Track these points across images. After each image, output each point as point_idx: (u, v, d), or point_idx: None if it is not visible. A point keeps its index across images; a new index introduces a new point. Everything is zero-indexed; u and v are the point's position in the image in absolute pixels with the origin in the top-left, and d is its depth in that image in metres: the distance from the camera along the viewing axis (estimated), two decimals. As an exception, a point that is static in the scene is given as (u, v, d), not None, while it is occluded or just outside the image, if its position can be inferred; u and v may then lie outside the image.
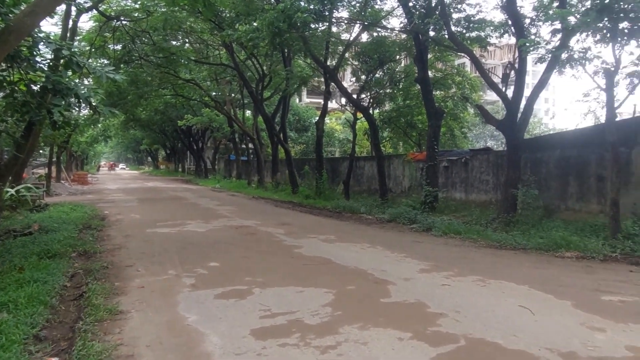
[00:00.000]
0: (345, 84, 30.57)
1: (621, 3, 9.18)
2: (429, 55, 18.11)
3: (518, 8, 13.04)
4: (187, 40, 26.37)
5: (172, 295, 6.25)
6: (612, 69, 10.03)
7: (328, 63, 20.80)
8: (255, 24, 15.51)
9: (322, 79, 23.29)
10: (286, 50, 21.82)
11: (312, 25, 16.81)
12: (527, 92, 13.40)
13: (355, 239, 10.98)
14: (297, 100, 45.70)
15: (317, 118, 23.94)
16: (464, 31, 14.82)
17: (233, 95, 34.55)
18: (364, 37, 21.56)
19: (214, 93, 33.56)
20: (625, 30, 9.57)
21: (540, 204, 12.38)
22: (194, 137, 50.36)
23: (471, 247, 10.11)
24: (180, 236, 11.33)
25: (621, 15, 9.30)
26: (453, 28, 14.23)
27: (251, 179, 31.86)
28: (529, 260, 8.68)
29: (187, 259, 8.60)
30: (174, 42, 25.00)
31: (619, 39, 9.74)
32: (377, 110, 23.07)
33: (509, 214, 11.93)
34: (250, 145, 34.47)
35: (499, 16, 16.72)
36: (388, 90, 21.40)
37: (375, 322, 5.11)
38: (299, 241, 10.61)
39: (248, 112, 36.83)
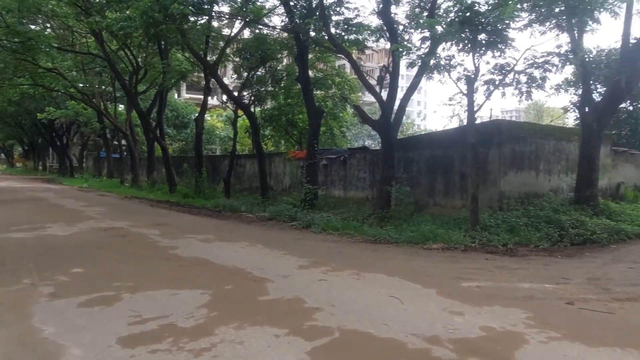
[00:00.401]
0: (226, 80, 29.97)
1: (480, 17, 10.12)
2: (310, 56, 18.41)
3: (392, 15, 13.75)
4: (48, 24, 23.88)
5: (26, 306, 5.58)
6: (473, 76, 11.02)
7: (208, 58, 20.19)
8: (127, 12, 14.51)
9: (202, 75, 22.57)
10: (163, 43, 20.77)
11: (191, 18, 16.20)
12: (401, 94, 14.19)
13: (235, 238, 10.79)
14: (176, 95, 43.83)
15: (197, 114, 23.11)
16: (343, 34, 15.24)
17: (103, 87, 32.08)
18: (246, 33, 21.31)
19: (81, 84, 30.82)
20: (483, 42, 10.56)
21: (411, 200, 13.21)
22: (58, 132, 45.71)
23: (348, 242, 10.46)
24: (38, 241, 10.18)
25: (480, 27, 10.25)
26: (333, 30, 14.59)
27: (124, 178, 29.93)
28: (400, 253, 9.19)
29: (45, 265, 7.74)
30: (32, 26, 22.49)
31: (478, 49, 10.71)
32: (258, 108, 22.91)
33: (383, 210, 12.55)
34: (124, 142, 32.34)
35: (375, 21, 17.75)
36: (270, 88, 21.34)
37: (252, 320, 5.04)
38: (175, 242, 10.14)
39: (121, 107, 34.47)
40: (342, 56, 15.59)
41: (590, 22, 12.02)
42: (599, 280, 6.99)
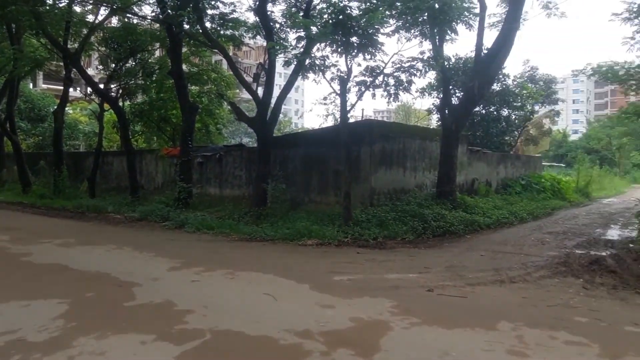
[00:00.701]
0: (91, 71, 27.77)
1: (352, 21, 10.52)
2: (184, 49, 17.70)
3: (269, 13, 13.74)
4: None
5: None
6: (345, 77, 11.43)
7: (70, 46, 18.46)
8: (-33, -13, 12.71)
9: (63, 64, 20.55)
10: (13, 25, 18.52)
11: (48, 1, 14.70)
12: (278, 92, 14.23)
13: (99, 241, 10.01)
14: (31, 85, 39.38)
15: (56, 107, 20.98)
16: (219, 28, 14.94)
17: None
18: (114, 21, 19.84)
19: None
20: (355, 44, 10.99)
21: (287, 197, 13.33)
22: None
23: (223, 241, 10.26)
24: None
25: (352, 30, 10.65)
26: (208, 24, 14.20)
27: (-34, 177, 26.24)
28: (276, 250, 9.23)
29: None
30: None
31: (351, 51, 11.12)
32: (128, 102, 21.46)
33: (260, 208, 12.51)
34: (-35, 136, 28.31)
35: (252, 18, 17.46)
36: (140, 82, 20.13)
37: (117, 328, 4.72)
38: (28, 248, 9.15)
39: (-38, 96, 30.09)
40: (218, 52, 15.23)
41: (449, 32, 13.15)
42: (455, 267, 7.66)
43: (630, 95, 18.96)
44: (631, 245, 9.68)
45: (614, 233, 11.66)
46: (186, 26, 14.63)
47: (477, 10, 12.98)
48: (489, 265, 7.80)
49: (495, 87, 21.42)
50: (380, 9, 10.65)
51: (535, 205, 16.15)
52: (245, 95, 24.31)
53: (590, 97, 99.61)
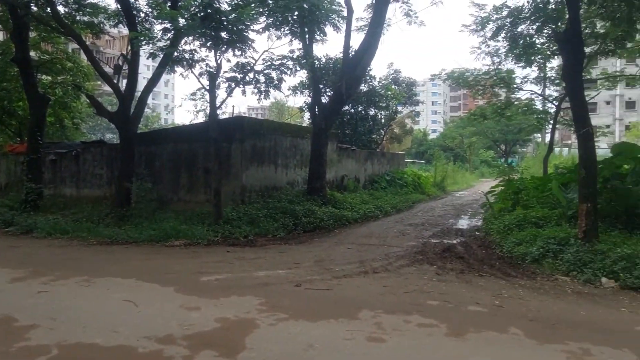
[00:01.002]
0: None
1: (221, 15, 10.26)
2: (33, 34, 15.88)
3: (132, 0, 12.88)
4: None
5: None
6: (215, 72, 11.12)
7: None
8: None
9: None
10: None
11: None
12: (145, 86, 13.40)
13: None
14: None
15: None
16: (74, 13, 13.66)
17: None
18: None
19: None
20: (225, 39, 10.75)
21: (154, 196, 12.62)
22: None
23: (80, 246, 9.42)
24: None
25: (221, 25, 10.39)
26: (61, 8, 12.92)
27: None
28: (139, 253, 8.70)
29: None
30: None
31: (220, 46, 10.85)
32: (-38, 91, 18.70)
33: (123, 208, 11.70)
34: None
35: (114, 4, 16.10)
36: (-22, 68, 17.65)
37: (-62, 354, 4.03)
38: None
39: None
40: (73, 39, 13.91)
41: (318, 32, 13.48)
42: (324, 261, 7.86)
43: (478, 98, 21.18)
44: (477, 233, 10.81)
45: (463, 222, 12.92)
46: (34, 8, 13.16)
47: (345, 14, 13.48)
48: (355, 258, 8.13)
49: (363, 87, 22.41)
50: (253, 4, 10.56)
51: (398, 199, 17.28)
52: (109, 88, 22.76)
53: (446, 100, 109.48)
